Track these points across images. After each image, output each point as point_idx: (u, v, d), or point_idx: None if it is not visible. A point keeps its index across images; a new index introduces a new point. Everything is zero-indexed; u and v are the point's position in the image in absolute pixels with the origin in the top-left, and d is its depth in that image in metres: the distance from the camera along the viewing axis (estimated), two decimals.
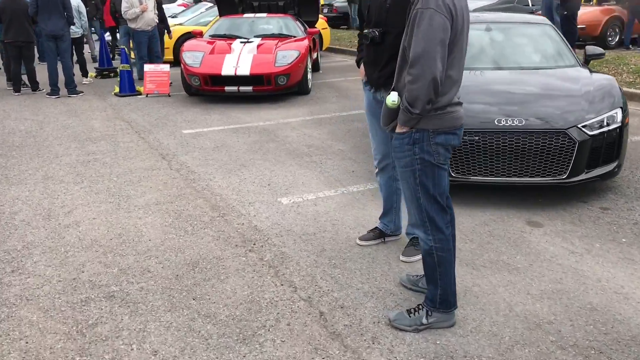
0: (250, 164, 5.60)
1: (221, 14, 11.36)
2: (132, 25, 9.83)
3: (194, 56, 8.55)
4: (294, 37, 9.50)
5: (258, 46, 8.84)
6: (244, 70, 8.26)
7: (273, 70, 8.28)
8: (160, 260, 3.59)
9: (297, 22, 10.27)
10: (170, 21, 15.32)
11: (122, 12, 9.71)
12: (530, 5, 13.63)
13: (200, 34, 9.87)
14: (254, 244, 3.79)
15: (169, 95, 9.22)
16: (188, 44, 9.04)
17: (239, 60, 8.42)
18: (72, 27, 9.74)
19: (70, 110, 8.30)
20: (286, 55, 8.50)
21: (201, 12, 15.04)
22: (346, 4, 21.10)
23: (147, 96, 9.22)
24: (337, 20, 21.49)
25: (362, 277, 3.31)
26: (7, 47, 9.54)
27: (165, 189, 4.90)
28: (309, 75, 9.19)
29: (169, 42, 12.42)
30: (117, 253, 3.70)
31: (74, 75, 9.55)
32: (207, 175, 5.28)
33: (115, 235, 3.97)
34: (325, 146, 6.14)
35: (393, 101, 2.57)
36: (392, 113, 2.62)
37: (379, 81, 3.27)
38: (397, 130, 2.60)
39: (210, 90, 8.47)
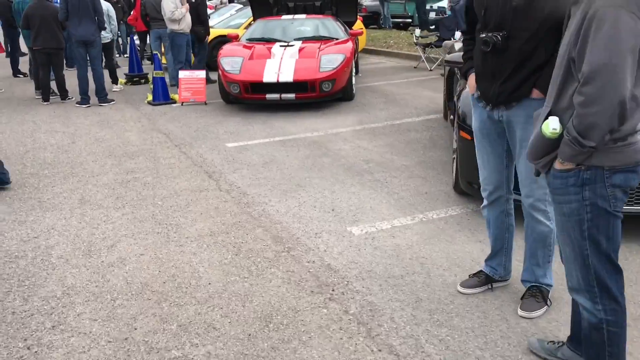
0: (306, 183, 5.02)
1: (255, 16, 10.83)
2: (173, 27, 9.30)
3: (232, 62, 8.01)
4: (336, 39, 8.91)
5: (300, 50, 8.26)
6: (287, 76, 7.69)
7: (317, 76, 7.69)
8: (225, 312, 3.02)
9: (338, 22, 9.67)
10: None
11: (169, 13, 9.16)
12: None
13: (235, 38, 9.33)
14: (333, 290, 3.20)
15: (206, 104, 8.69)
16: (226, 48, 8.50)
17: (280, 66, 7.85)
18: (102, 32, 9.28)
19: (102, 121, 7.81)
20: (331, 60, 7.91)
21: (231, 14, 14.52)
22: (377, 2, 20.44)
23: (182, 105, 8.70)
24: (367, 20, 20.82)
25: (477, 340, 2.70)
26: (36, 54, 9.10)
27: (218, 216, 4.34)
28: (353, 80, 8.59)
29: None
30: (173, 302, 3.14)
31: (104, 82, 9.09)
32: (262, 197, 4.71)
33: (169, 277, 3.41)
34: (385, 161, 5.54)
35: (554, 129, 1.95)
36: (548, 144, 2.00)
37: (499, 97, 2.66)
38: (558, 167, 1.99)
39: (250, 98, 7.92)
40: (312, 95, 7.81)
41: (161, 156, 6.04)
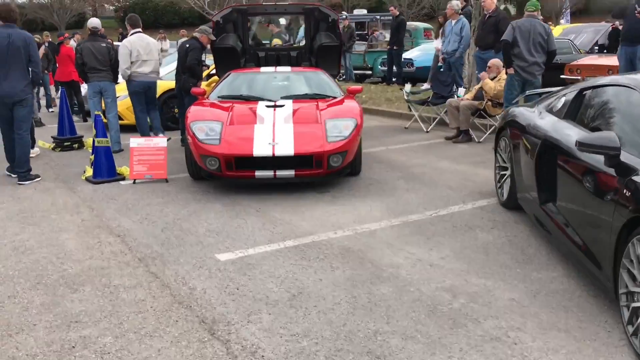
0: (383, 349, 3.02)
1: (219, 67, 8.90)
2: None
3: (208, 128, 5.97)
4: (333, 97, 7.08)
5: (294, 112, 6.35)
6: (285, 148, 5.74)
7: (326, 148, 5.79)
8: None
9: (329, 77, 7.87)
10: None
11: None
12: None
13: (202, 94, 7.31)
14: None
15: (167, 181, 6.57)
16: (195, 110, 6.45)
17: (275, 134, 5.90)
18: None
19: (24, 212, 5.53)
20: (338, 126, 6.04)
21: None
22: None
23: (134, 182, 6.54)
24: None
25: None
26: None
27: None
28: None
29: None
30: None
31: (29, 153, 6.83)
32: None
33: None
34: (479, 291, 3.64)
35: None
36: None
37: None
38: None
39: (233, 176, 5.88)
40: (317, 173, 5.88)
41: (120, 284, 3.87)
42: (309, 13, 8.82)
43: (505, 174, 5.32)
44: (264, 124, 6.09)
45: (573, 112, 4.23)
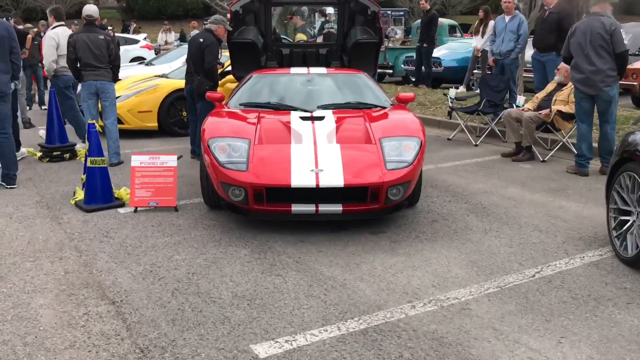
0: None
1: (236, 66, 7.56)
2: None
3: (231, 148, 4.65)
4: (381, 107, 5.76)
5: (337, 127, 5.03)
6: (333, 177, 4.40)
7: (387, 179, 4.46)
8: None
9: (373, 81, 6.54)
10: (144, 71, 11.42)
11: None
12: None
13: (220, 100, 5.98)
14: None
15: (177, 210, 5.25)
16: (214, 123, 5.10)
17: (317, 157, 4.57)
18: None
19: None
20: (398, 147, 4.71)
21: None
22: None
23: (136, 211, 5.22)
24: None
25: None
26: None
27: None
28: None
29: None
30: None
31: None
32: None
33: None
34: None
35: None
36: None
37: None
38: None
39: (264, 211, 4.54)
40: (370, 209, 4.54)
41: None
42: (343, 3, 7.48)
43: (628, 220, 4.00)
44: (302, 143, 4.76)
45: None
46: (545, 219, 4.98)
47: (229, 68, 8.02)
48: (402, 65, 15.61)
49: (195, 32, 15.44)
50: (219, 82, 7.47)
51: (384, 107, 5.72)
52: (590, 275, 3.86)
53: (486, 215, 5.10)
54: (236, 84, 7.16)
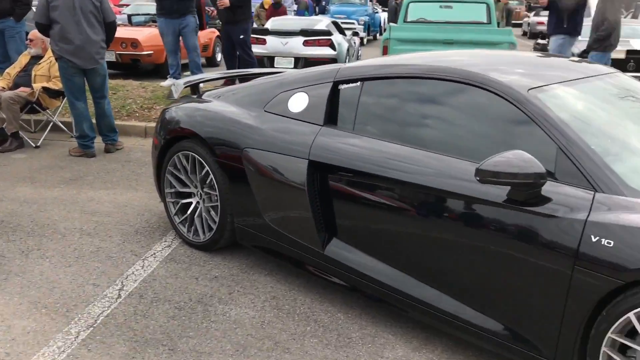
0: None
1: None
2: None
3: None
4: None
5: None
6: None
7: None
8: None
9: None
10: None
11: None
12: None
13: None
14: None
15: None
16: None
17: None
18: None
19: None
20: None
21: None
22: None
23: None
24: None
25: None
26: None
27: None
28: None
29: None
30: None
31: None
32: None
33: None
34: None
35: None
36: None
37: None
38: None
39: None
40: None
41: None
42: None
43: (191, 203, 3.72)
44: None
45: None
46: (85, 219, 4.22)
47: None
48: None
49: None
50: None
51: None
52: (176, 274, 3.43)
53: (12, 232, 3.94)
54: None
